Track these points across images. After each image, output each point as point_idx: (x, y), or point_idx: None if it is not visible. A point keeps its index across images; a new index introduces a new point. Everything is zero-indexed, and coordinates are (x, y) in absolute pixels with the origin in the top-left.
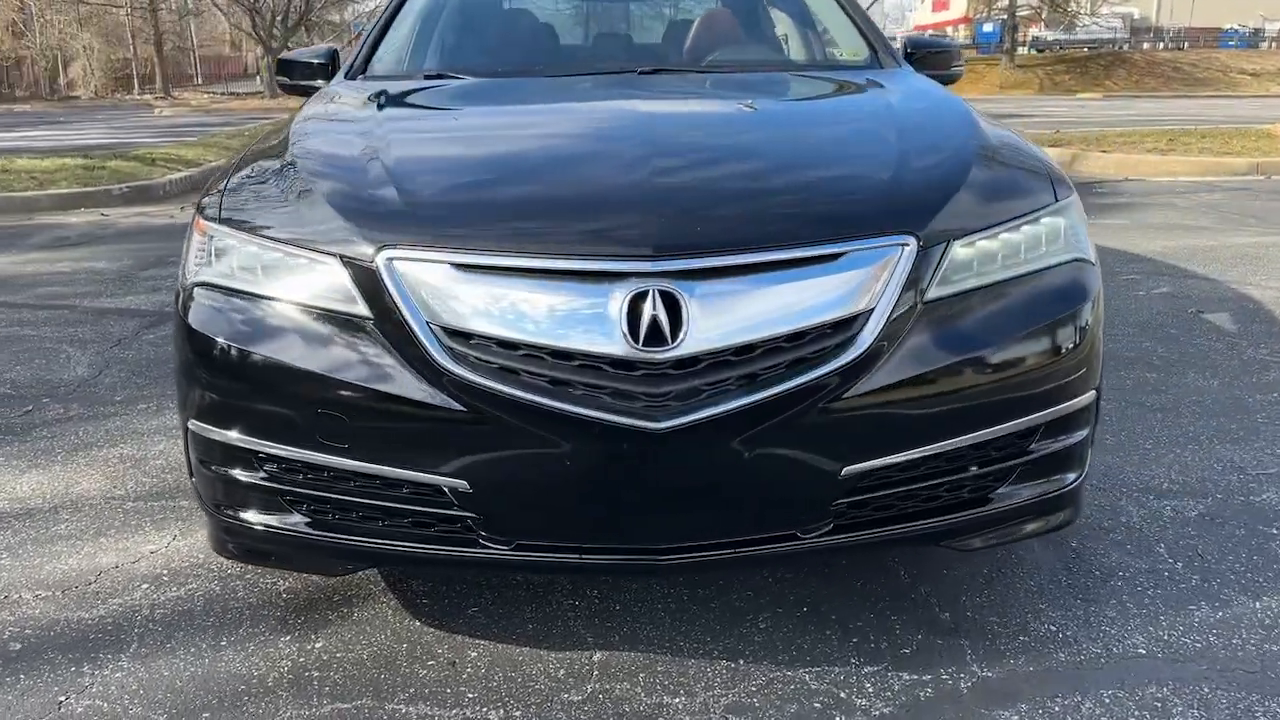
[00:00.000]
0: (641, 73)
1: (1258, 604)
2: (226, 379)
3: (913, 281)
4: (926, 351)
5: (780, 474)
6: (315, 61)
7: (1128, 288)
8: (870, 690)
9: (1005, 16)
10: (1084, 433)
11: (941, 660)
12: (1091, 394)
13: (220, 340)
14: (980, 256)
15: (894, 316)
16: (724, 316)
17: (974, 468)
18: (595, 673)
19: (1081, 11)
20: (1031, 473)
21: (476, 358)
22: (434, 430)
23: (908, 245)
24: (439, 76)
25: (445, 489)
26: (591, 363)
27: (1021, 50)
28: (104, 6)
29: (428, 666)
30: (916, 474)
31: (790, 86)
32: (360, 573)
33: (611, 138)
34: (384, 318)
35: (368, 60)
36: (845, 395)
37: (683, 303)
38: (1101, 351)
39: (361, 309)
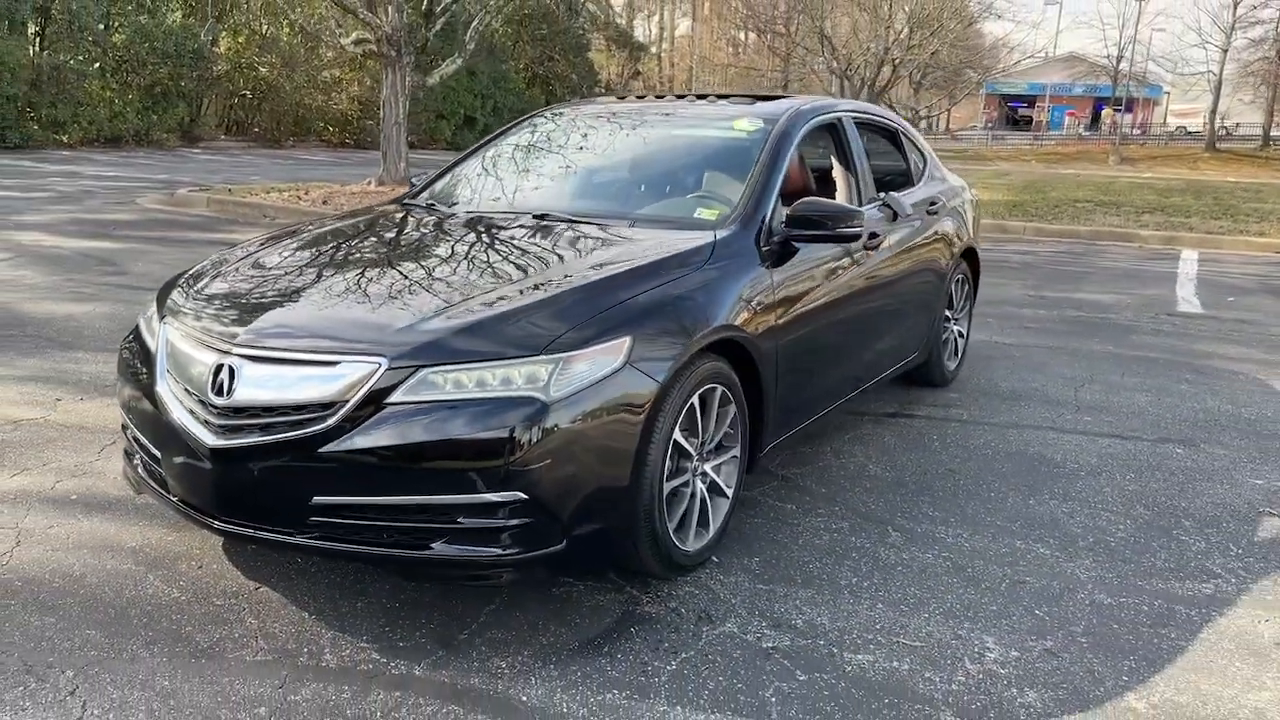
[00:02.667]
0: (535, 217)
1: None
2: (121, 377)
3: (382, 389)
4: (377, 435)
5: (276, 488)
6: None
7: None
8: (329, 649)
9: None
10: (498, 521)
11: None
12: (508, 494)
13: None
14: (454, 381)
15: (360, 409)
16: (262, 385)
17: (412, 522)
18: (246, 595)
19: None
20: (464, 538)
21: (169, 385)
22: (153, 415)
23: (381, 366)
24: (430, 205)
25: (152, 449)
26: (204, 400)
27: None
28: None
29: (190, 575)
30: (371, 515)
31: (564, 245)
32: None
33: (330, 265)
34: (159, 354)
35: (433, 182)
36: (317, 451)
37: (236, 372)
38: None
39: (154, 347)
